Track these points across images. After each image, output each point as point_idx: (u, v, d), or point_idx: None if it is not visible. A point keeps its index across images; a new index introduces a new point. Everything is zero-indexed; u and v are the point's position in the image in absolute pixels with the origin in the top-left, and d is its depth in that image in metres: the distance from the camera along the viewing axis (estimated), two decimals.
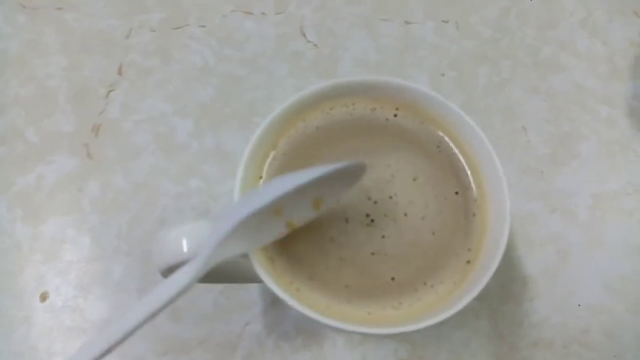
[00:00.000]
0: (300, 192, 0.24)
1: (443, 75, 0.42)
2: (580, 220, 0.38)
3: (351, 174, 0.26)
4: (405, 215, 0.28)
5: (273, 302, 0.35)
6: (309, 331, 0.34)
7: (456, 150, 0.30)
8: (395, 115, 0.31)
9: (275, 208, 0.25)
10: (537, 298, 0.36)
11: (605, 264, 0.37)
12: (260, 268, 0.25)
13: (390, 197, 0.29)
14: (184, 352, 0.34)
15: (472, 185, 0.29)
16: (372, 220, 0.28)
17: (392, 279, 0.27)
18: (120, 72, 0.42)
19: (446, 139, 0.30)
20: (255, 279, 0.27)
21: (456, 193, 0.29)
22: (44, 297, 0.35)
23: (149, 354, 0.34)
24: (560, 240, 0.37)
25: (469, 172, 0.29)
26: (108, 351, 0.22)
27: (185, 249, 0.24)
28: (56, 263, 0.36)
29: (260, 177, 0.29)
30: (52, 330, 0.34)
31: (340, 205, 0.28)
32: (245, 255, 0.26)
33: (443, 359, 0.34)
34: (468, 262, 0.27)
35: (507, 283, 0.36)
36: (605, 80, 0.42)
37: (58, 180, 0.38)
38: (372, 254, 0.27)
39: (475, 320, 0.35)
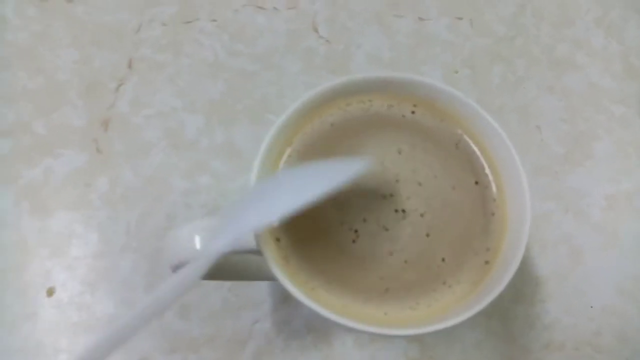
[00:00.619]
0: None
1: (457, 72, 0.42)
2: (594, 221, 0.37)
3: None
4: (420, 184, 0.28)
5: (283, 300, 0.35)
6: (318, 330, 0.34)
7: (475, 149, 0.29)
8: (413, 112, 0.30)
9: None
10: (549, 299, 0.35)
11: (618, 265, 0.36)
12: (275, 266, 0.25)
13: (397, 181, 0.28)
14: (192, 350, 0.33)
15: (492, 184, 0.29)
16: (404, 211, 0.28)
17: (443, 259, 0.27)
18: (130, 66, 0.41)
19: (465, 137, 0.30)
20: (266, 277, 0.27)
21: (476, 183, 0.29)
22: (50, 292, 0.35)
23: (156, 351, 0.33)
24: (573, 241, 0.37)
25: (488, 171, 0.29)
26: (113, 350, 0.21)
27: (197, 246, 0.24)
28: (63, 258, 0.36)
29: None
30: (58, 326, 0.34)
31: (373, 222, 0.28)
32: (257, 252, 0.25)
33: (454, 359, 0.34)
34: (487, 262, 0.27)
35: (519, 284, 0.35)
36: (620, 80, 0.42)
37: (66, 174, 0.38)
38: (427, 235, 0.27)
39: (486, 320, 0.34)
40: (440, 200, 0.28)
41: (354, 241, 0.27)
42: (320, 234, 0.27)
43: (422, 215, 0.28)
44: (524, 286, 0.35)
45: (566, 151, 0.39)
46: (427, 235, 0.27)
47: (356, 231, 0.27)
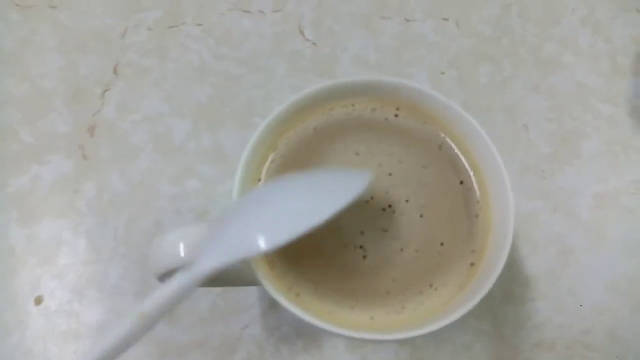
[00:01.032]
0: None
1: (443, 73, 0.42)
2: (583, 220, 0.37)
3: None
4: (391, 175, 0.29)
5: (272, 305, 0.35)
6: (308, 334, 0.34)
7: (458, 151, 0.29)
8: (396, 116, 0.30)
9: None
10: (539, 299, 0.35)
11: (608, 263, 0.36)
12: (260, 273, 0.25)
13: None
14: (181, 356, 0.33)
15: (475, 186, 0.29)
16: (390, 206, 0.28)
17: (442, 244, 0.28)
18: (116, 72, 0.41)
19: (447, 139, 0.30)
20: (247, 283, 0.26)
21: (461, 182, 0.29)
22: (38, 300, 0.35)
23: (145, 358, 0.33)
24: (562, 240, 0.37)
25: (471, 173, 0.29)
26: None
27: (182, 254, 0.24)
28: (51, 266, 0.36)
29: (259, 180, 0.29)
30: (47, 334, 0.34)
31: (371, 230, 0.28)
32: (244, 260, 0.25)
33: None
34: (472, 264, 0.27)
35: (509, 284, 0.35)
36: (607, 79, 0.42)
37: (53, 181, 0.38)
38: (421, 216, 0.28)
39: (476, 321, 0.34)
40: (415, 180, 0.29)
41: (364, 257, 0.27)
42: (323, 257, 0.27)
43: (407, 201, 0.28)
44: (513, 286, 0.35)
45: (554, 150, 0.39)
46: (421, 216, 0.28)
47: (362, 247, 0.27)
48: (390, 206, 0.28)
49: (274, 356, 0.34)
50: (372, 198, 0.28)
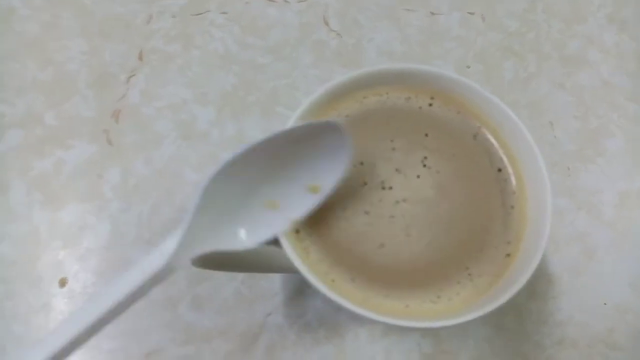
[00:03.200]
0: (286, 180, 0.26)
1: (469, 67, 0.41)
2: (607, 218, 0.37)
3: (337, 149, 0.26)
4: (425, 164, 0.29)
5: (295, 293, 0.34)
6: (331, 323, 0.34)
7: (494, 141, 0.29)
8: (430, 105, 0.30)
9: (268, 202, 0.26)
10: (563, 296, 0.35)
11: (632, 262, 0.36)
12: (295, 257, 0.24)
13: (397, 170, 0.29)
14: (205, 342, 0.33)
15: (511, 177, 0.29)
16: (426, 196, 0.28)
17: (478, 233, 0.28)
18: (140, 58, 0.41)
19: (483, 129, 0.30)
20: (281, 269, 0.26)
21: (499, 170, 0.29)
22: (62, 283, 0.35)
23: (169, 343, 0.33)
24: (586, 238, 0.37)
25: (507, 164, 0.29)
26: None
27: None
28: (75, 249, 0.35)
29: None
30: None
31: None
32: (277, 244, 0.25)
33: (467, 354, 0.33)
34: (508, 255, 0.27)
35: (533, 280, 0.34)
36: (633, 76, 0.42)
37: (77, 165, 0.38)
38: (458, 205, 0.28)
39: (500, 316, 0.34)
40: (450, 169, 0.29)
41: (401, 246, 0.27)
42: (360, 246, 0.27)
43: (443, 190, 0.28)
44: (537, 283, 0.35)
45: (579, 148, 0.39)
46: (457, 205, 0.28)
47: (398, 236, 0.27)
48: (426, 195, 0.28)
49: (296, 344, 0.33)
50: (403, 188, 0.28)
